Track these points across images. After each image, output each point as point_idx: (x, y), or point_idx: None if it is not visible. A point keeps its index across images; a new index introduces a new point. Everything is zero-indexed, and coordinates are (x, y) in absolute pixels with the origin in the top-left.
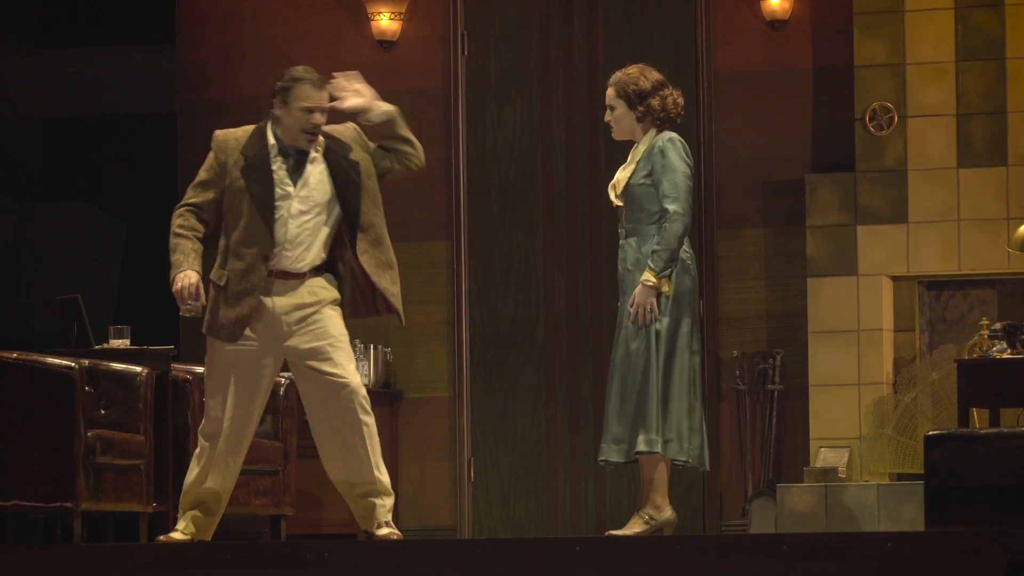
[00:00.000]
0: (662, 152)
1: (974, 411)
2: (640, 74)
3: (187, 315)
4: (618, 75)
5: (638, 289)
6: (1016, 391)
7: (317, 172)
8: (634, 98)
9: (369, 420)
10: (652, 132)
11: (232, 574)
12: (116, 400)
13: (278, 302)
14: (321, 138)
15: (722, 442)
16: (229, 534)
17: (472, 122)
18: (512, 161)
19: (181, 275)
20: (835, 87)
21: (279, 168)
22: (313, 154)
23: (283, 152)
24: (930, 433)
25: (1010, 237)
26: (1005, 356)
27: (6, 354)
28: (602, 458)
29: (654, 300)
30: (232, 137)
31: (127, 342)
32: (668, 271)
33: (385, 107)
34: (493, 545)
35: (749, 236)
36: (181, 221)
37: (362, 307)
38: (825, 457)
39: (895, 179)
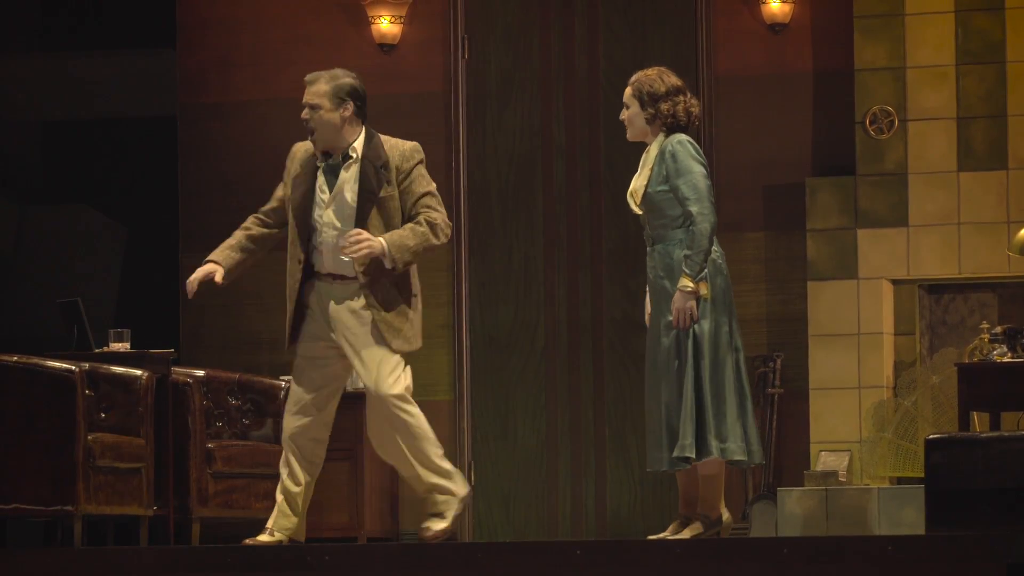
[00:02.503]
0: (673, 156)
1: (974, 415)
2: (657, 76)
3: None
4: (638, 74)
5: (676, 295)
6: (1017, 395)
7: (350, 179)
8: (646, 100)
9: (403, 422)
10: (662, 136)
11: None
12: (116, 403)
13: (330, 304)
14: (357, 144)
15: None
16: (230, 537)
17: (472, 125)
18: (512, 164)
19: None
20: (835, 90)
21: (320, 175)
22: (349, 160)
23: (324, 158)
24: (930, 437)
25: (1010, 241)
26: (1005, 360)
27: (6, 357)
28: (652, 468)
29: (693, 304)
30: (301, 148)
31: (127, 345)
32: (703, 274)
33: (391, 251)
34: (494, 549)
35: (749, 239)
36: (245, 223)
37: None
38: (825, 460)
39: (895, 182)
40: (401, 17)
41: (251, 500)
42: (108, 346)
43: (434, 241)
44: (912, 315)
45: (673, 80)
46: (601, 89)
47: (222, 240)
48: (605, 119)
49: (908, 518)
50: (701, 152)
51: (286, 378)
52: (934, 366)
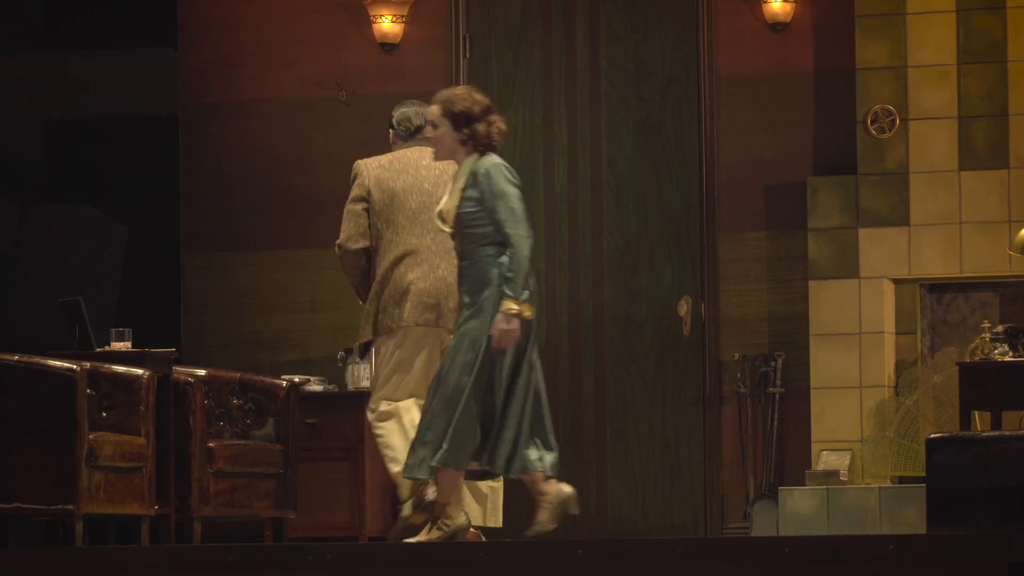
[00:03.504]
0: (488, 176)
1: (975, 414)
2: (469, 96)
3: None
4: (445, 94)
5: (499, 317)
6: (1018, 394)
7: None
8: (461, 120)
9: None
10: (474, 156)
11: None
12: (118, 402)
13: None
14: None
15: (724, 445)
16: (231, 537)
17: None
18: (514, 164)
19: None
20: (837, 90)
21: None
22: None
23: None
24: (932, 436)
25: (1011, 240)
26: (1007, 359)
27: (8, 356)
28: (409, 474)
29: (517, 326)
30: None
31: (128, 344)
32: (526, 295)
33: None
34: (495, 548)
35: (751, 239)
36: None
37: None
38: (827, 460)
39: (896, 182)
40: (402, 16)
41: (253, 499)
42: (109, 345)
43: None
44: (913, 314)
45: (484, 100)
46: (602, 89)
47: (223, 239)
48: (606, 119)
49: (909, 517)
50: (516, 175)
51: (287, 377)
52: (935, 365)
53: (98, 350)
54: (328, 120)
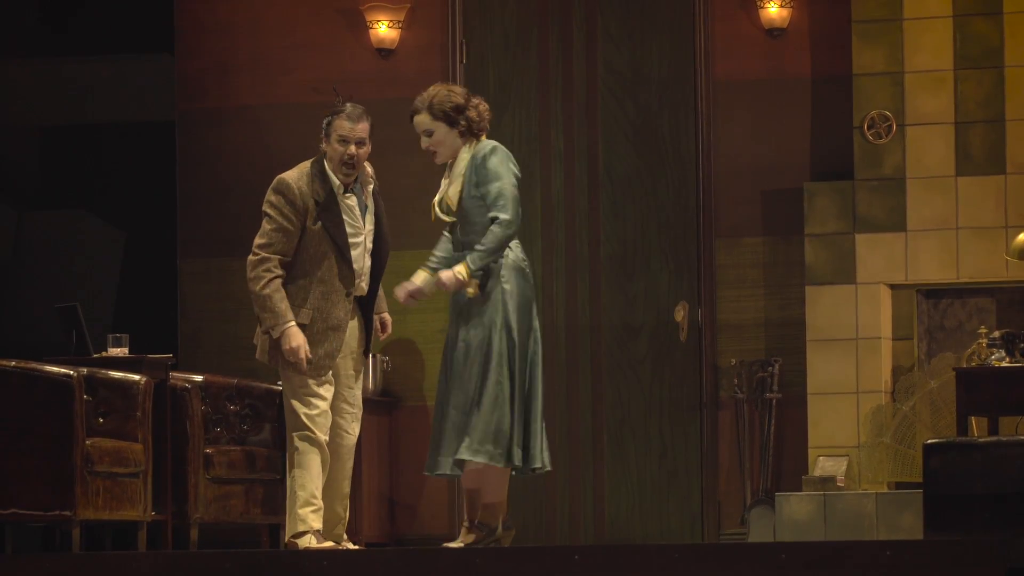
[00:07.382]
0: (485, 159)
1: (972, 419)
2: (448, 90)
3: (302, 371)
4: (425, 99)
5: (448, 274)
6: (1014, 399)
7: (372, 208)
8: (453, 115)
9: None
10: (472, 143)
11: None
12: (114, 408)
13: (352, 327)
14: (372, 176)
15: (721, 450)
16: (228, 543)
17: None
18: None
19: (293, 331)
20: (834, 95)
21: (351, 205)
22: (370, 190)
23: (348, 189)
24: (928, 441)
25: (1008, 245)
26: (1003, 364)
27: (5, 362)
28: (431, 471)
29: (454, 288)
30: (301, 180)
31: (126, 350)
32: (480, 273)
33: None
34: (492, 554)
35: (748, 244)
36: (271, 270)
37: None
38: (823, 466)
39: (893, 187)
40: (399, 22)
41: (249, 505)
42: (106, 351)
43: None
44: (910, 320)
45: (460, 88)
46: (599, 94)
47: (220, 245)
48: (603, 124)
49: (906, 523)
50: (514, 160)
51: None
52: (932, 371)
53: (95, 356)
54: None
